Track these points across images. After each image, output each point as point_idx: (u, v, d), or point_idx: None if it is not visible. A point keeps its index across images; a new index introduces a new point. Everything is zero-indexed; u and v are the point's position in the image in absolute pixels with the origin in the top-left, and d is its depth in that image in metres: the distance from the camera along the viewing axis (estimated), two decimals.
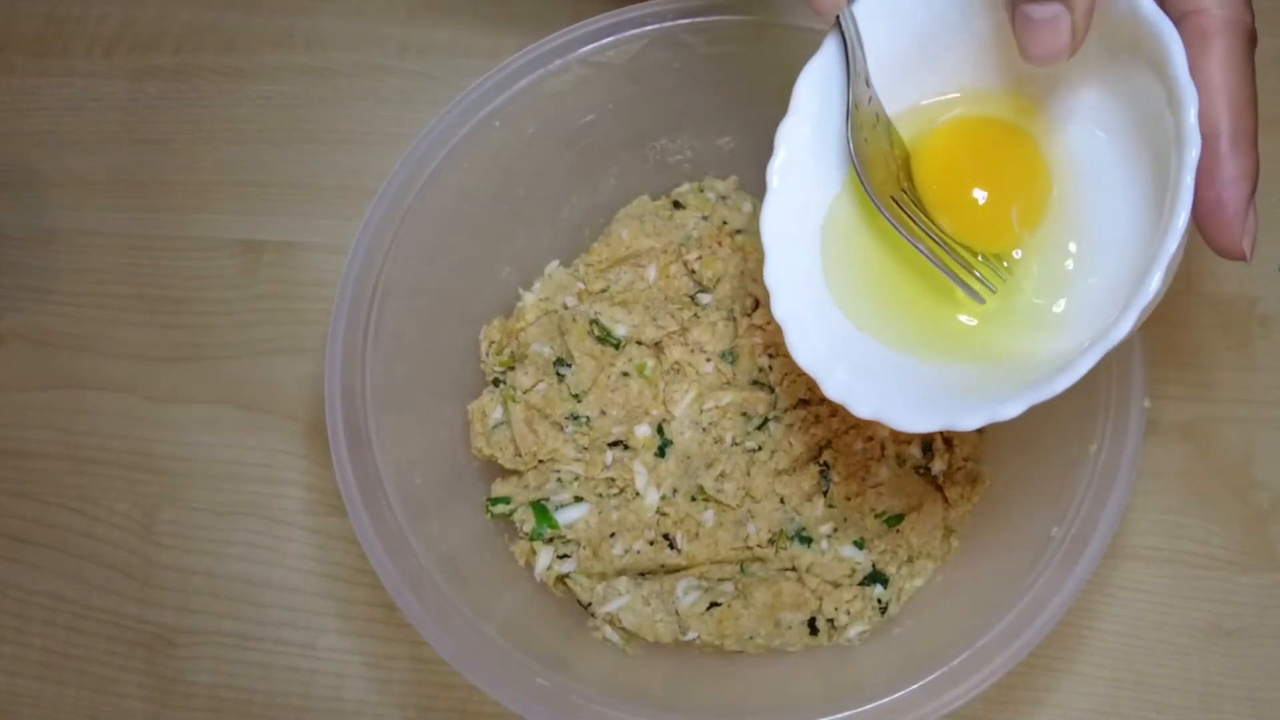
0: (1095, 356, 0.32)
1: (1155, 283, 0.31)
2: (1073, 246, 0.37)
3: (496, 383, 0.53)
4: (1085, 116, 0.37)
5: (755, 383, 0.51)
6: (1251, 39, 0.33)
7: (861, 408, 0.36)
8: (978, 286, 0.37)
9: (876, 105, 0.39)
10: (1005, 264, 0.38)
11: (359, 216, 0.46)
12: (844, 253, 0.40)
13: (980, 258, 0.38)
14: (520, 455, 0.50)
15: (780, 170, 0.40)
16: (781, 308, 0.39)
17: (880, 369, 0.38)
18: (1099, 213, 0.37)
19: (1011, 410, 0.33)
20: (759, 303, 0.51)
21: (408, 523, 0.43)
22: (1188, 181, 0.31)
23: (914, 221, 0.38)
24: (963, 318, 0.39)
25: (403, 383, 0.47)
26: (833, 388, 0.37)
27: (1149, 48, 0.32)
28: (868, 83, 0.39)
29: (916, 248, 0.38)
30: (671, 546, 0.48)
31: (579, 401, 0.51)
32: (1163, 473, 0.55)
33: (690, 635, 0.47)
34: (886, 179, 0.39)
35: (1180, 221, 0.31)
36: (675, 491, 0.49)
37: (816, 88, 0.39)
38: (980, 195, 0.38)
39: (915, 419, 0.35)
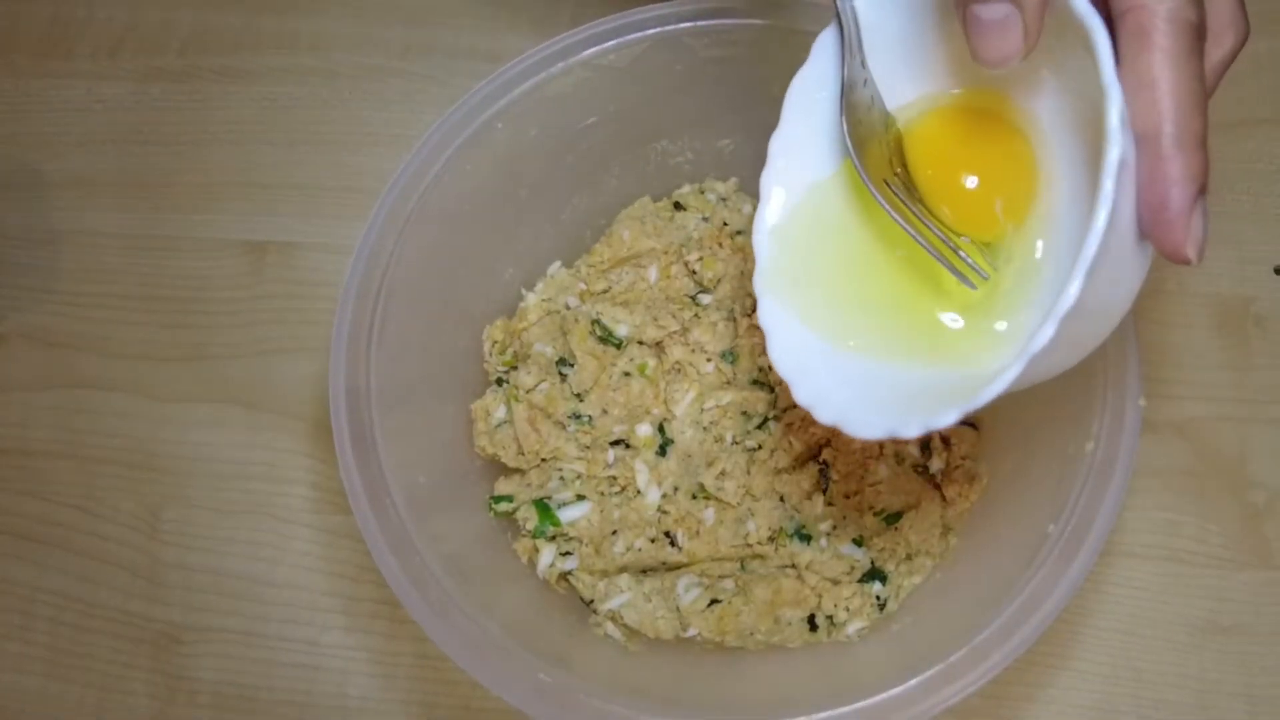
0: (1020, 366, 0.31)
1: (1075, 289, 0.30)
2: (1041, 250, 0.37)
3: (499, 382, 0.53)
4: (1064, 117, 0.37)
5: (755, 382, 0.51)
6: (1199, 35, 0.31)
7: (825, 414, 0.36)
8: (970, 274, 0.37)
9: (872, 88, 0.39)
10: (996, 253, 0.38)
11: (362, 218, 0.47)
12: (821, 245, 0.40)
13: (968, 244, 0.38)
14: (523, 454, 0.51)
15: (775, 178, 0.40)
16: (766, 314, 0.39)
17: (848, 375, 0.38)
18: (1069, 216, 0.36)
19: (945, 419, 0.33)
20: None
21: (411, 521, 0.43)
22: (1108, 186, 0.30)
23: (907, 206, 0.38)
24: (943, 316, 0.38)
25: (406, 382, 0.47)
26: (802, 394, 0.37)
27: (1086, 45, 0.31)
28: (863, 64, 0.38)
29: (908, 232, 0.37)
30: (672, 544, 0.49)
31: (581, 401, 0.51)
32: (1159, 471, 0.55)
33: (691, 632, 0.47)
34: (880, 162, 0.38)
35: (1099, 222, 0.30)
36: (676, 490, 0.50)
37: (809, 92, 0.39)
38: (971, 181, 0.38)
39: (867, 426, 0.35)
